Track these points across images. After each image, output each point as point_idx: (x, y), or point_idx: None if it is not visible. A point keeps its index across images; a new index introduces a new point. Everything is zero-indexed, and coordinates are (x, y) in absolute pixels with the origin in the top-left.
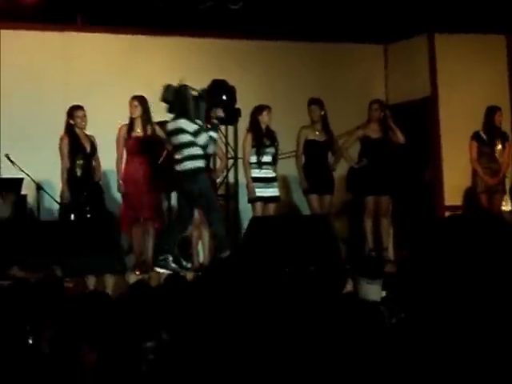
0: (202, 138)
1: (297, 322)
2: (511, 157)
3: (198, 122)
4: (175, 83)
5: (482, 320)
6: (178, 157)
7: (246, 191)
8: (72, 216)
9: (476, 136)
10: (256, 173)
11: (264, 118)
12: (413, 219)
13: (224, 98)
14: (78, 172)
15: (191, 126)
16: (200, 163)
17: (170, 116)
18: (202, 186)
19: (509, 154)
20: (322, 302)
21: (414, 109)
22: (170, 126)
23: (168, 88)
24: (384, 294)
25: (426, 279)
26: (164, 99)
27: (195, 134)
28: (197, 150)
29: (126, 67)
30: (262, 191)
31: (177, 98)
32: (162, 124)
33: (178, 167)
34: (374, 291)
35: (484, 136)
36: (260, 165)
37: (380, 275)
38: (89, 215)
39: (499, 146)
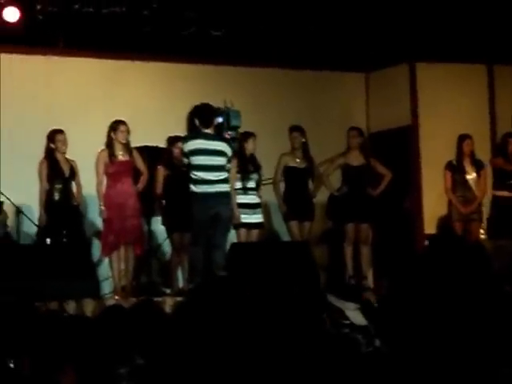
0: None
1: (274, 347)
2: (487, 185)
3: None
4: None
5: (460, 351)
6: (209, 178)
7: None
8: (48, 240)
9: (449, 165)
10: (241, 198)
11: (249, 146)
12: (392, 247)
13: (220, 120)
14: (56, 196)
15: (229, 150)
16: (229, 187)
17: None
18: (230, 210)
19: (484, 182)
20: (301, 328)
21: (395, 137)
22: (202, 145)
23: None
24: (365, 321)
25: (406, 310)
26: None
27: (230, 158)
28: (226, 174)
29: (108, 92)
30: (247, 217)
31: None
32: (141, 148)
33: (209, 188)
34: (359, 315)
35: (456, 164)
36: (245, 190)
37: (356, 300)
38: (65, 239)
39: (474, 175)
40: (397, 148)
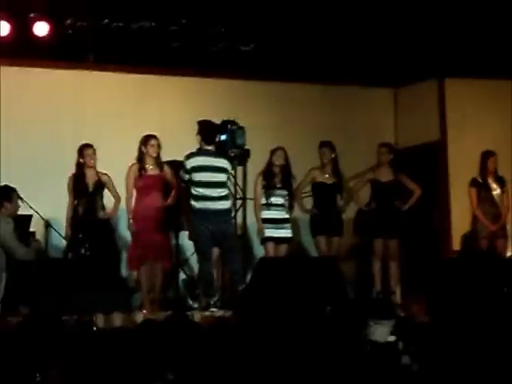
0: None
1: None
2: (510, 201)
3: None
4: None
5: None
6: (210, 194)
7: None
8: (69, 254)
9: (474, 182)
10: (265, 214)
11: (276, 159)
12: (421, 263)
13: (223, 137)
14: (81, 210)
15: (230, 167)
16: (230, 204)
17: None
18: (232, 226)
19: (508, 199)
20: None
21: (423, 153)
22: (205, 162)
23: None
24: (392, 337)
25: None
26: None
27: (230, 175)
28: (227, 191)
29: (138, 106)
30: (271, 232)
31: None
32: (171, 162)
33: (210, 205)
34: (381, 332)
35: (481, 181)
36: (269, 206)
37: (389, 316)
38: (87, 253)
39: (498, 191)
40: (425, 164)
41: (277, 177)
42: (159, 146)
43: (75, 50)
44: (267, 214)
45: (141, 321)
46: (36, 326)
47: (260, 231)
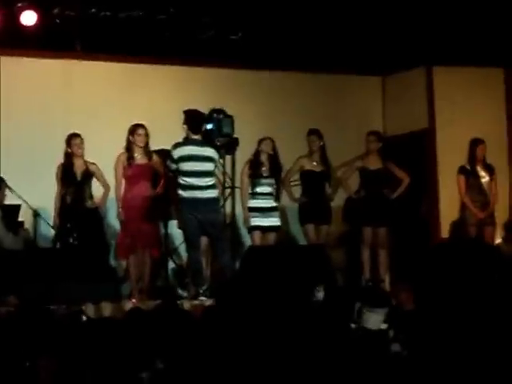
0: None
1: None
2: (498, 189)
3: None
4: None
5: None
6: (198, 183)
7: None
8: (58, 244)
9: (462, 170)
10: (251, 203)
11: (264, 148)
12: (409, 251)
13: (210, 126)
14: (68, 199)
15: (217, 156)
16: (217, 193)
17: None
18: (219, 215)
19: (496, 186)
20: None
21: (412, 141)
22: (191, 151)
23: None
24: (385, 325)
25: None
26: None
27: (217, 164)
28: (215, 180)
29: (126, 95)
30: (258, 220)
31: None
32: (159, 151)
33: (198, 194)
34: (375, 320)
35: (469, 169)
36: (255, 195)
37: (383, 304)
38: (75, 242)
39: (487, 178)
40: (413, 152)
41: (264, 166)
42: (147, 136)
43: (63, 39)
44: (254, 202)
45: (129, 309)
46: (24, 316)
47: (246, 220)
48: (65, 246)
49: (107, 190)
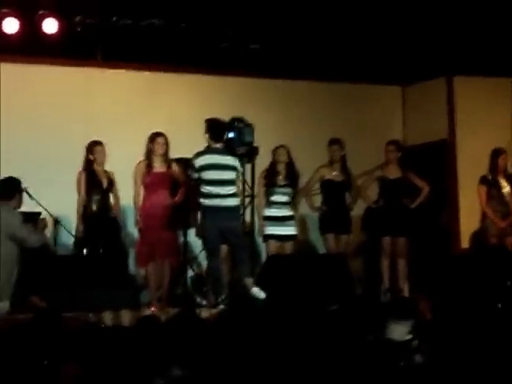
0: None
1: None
2: None
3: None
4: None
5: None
6: (219, 192)
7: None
8: (85, 250)
9: (484, 180)
10: (267, 212)
11: (277, 157)
12: (429, 261)
13: (231, 135)
14: (94, 207)
15: (238, 165)
16: (239, 201)
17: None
18: (240, 223)
19: None
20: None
21: (432, 151)
22: (213, 160)
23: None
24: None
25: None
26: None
27: (239, 172)
28: (236, 188)
29: (146, 104)
30: (273, 229)
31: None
32: (179, 160)
33: (219, 202)
34: (399, 331)
35: (491, 179)
36: (270, 204)
37: (409, 316)
38: (101, 250)
39: (508, 188)
40: (433, 162)
41: (280, 174)
42: (166, 144)
43: (84, 47)
44: (269, 211)
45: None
46: (45, 322)
47: (261, 229)
48: (91, 253)
49: (118, 200)
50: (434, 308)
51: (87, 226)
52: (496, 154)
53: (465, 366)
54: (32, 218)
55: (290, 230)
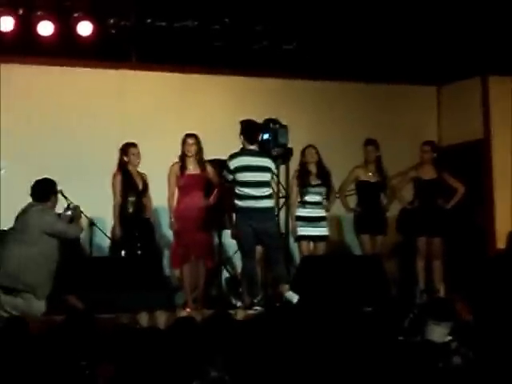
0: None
1: (356, 363)
2: None
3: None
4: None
5: None
6: (254, 193)
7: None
8: (123, 252)
9: None
10: (299, 212)
11: (307, 158)
12: (465, 262)
13: (266, 137)
14: (130, 209)
15: (273, 166)
16: (273, 203)
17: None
18: (275, 225)
19: None
20: (381, 343)
21: (467, 151)
22: (248, 162)
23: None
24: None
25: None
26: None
27: (274, 174)
28: (271, 190)
29: (180, 105)
30: (305, 230)
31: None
32: (213, 161)
33: (254, 204)
34: (439, 333)
35: None
36: (303, 204)
37: (448, 318)
38: (139, 252)
39: None
40: (469, 162)
41: (312, 174)
42: (198, 145)
43: (118, 49)
44: (302, 211)
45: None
46: (80, 323)
47: (293, 229)
48: (129, 255)
49: (151, 201)
50: (473, 309)
51: (124, 228)
52: None
53: (504, 368)
54: (68, 220)
55: (322, 230)
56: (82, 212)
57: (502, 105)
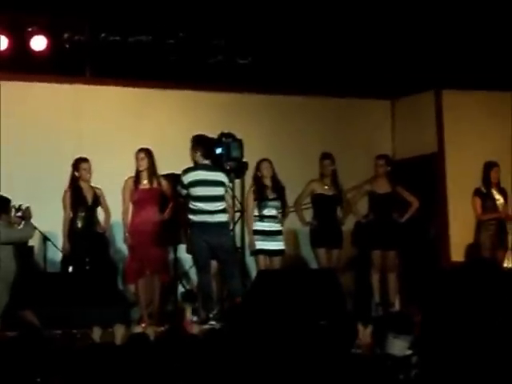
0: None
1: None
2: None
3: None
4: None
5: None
6: (208, 208)
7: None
8: (70, 268)
9: (477, 192)
10: (257, 225)
11: (263, 172)
12: (419, 274)
13: (219, 151)
14: (79, 224)
15: (226, 180)
16: (228, 217)
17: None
18: (229, 239)
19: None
20: (334, 357)
21: (421, 164)
22: (202, 176)
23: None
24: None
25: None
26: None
27: (227, 188)
28: (225, 204)
29: (135, 119)
30: (263, 244)
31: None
32: (168, 176)
33: (208, 218)
34: (399, 346)
35: (484, 191)
36: (261, 218)
37: (408, 331)
38: (88, 267)
39: (501, 201)
40: (423, 175)
41: (268, 188)
42: (149, 159)
43: (73, 64)
44: (260, 225)
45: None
46: (32, 339)
47: (251, 244)
48: (77, 270)
49: (109, 215)
50: (423, 322)
51: (73, 243)
52: (488, 166)
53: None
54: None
55: (279, 244)
56: (31, 215)
57: (455, 118)
